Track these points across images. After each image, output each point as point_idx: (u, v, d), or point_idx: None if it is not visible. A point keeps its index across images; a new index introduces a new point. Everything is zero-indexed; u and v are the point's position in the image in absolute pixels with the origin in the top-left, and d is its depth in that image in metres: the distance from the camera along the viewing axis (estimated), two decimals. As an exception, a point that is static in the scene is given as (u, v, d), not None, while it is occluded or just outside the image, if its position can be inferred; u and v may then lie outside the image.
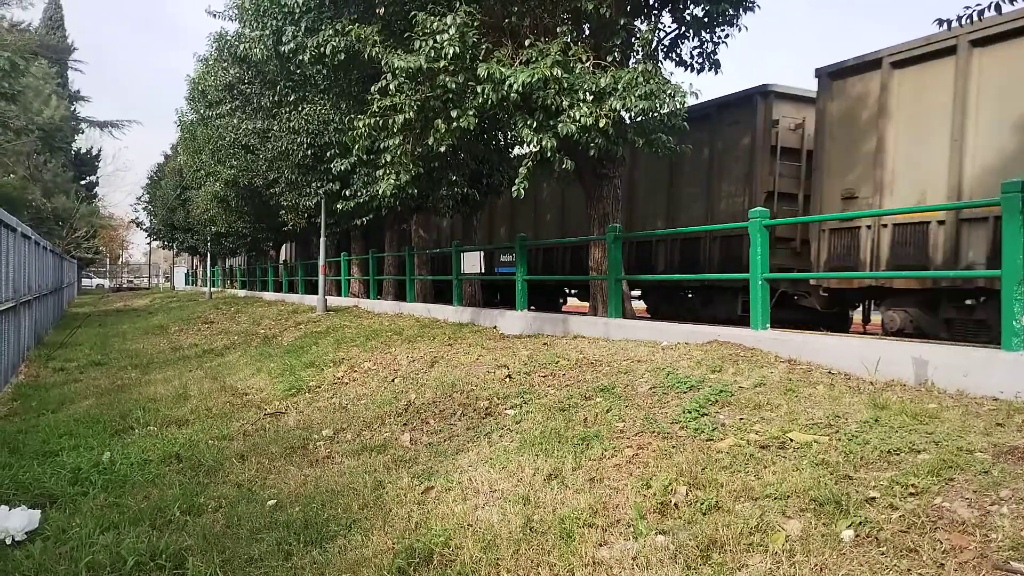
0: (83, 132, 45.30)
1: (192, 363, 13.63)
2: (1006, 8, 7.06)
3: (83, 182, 47.27)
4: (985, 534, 3.31)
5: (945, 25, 7.45)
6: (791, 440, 4.62)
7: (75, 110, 43.88)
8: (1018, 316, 5.46)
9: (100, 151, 50.94)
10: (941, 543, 3.30)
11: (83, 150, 48.45)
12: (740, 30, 10.54)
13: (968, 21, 7.33)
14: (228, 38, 17.39)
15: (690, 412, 5.46)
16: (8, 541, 4.62)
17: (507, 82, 8.44)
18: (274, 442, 6.96)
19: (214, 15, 16.91)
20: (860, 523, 3.54)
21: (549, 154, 8.83)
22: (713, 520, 3.87)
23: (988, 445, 4.11)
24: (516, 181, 9.08)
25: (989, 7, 7.02)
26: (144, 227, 58.10)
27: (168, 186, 43.20)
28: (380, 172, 10.12)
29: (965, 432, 4.34)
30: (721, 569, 3.51)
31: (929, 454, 4.07)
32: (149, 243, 67.76)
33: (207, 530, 4.74)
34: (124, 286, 74.73)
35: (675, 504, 4.17)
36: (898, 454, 4.15)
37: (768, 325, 7.64)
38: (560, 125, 8.54)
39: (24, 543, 4.63)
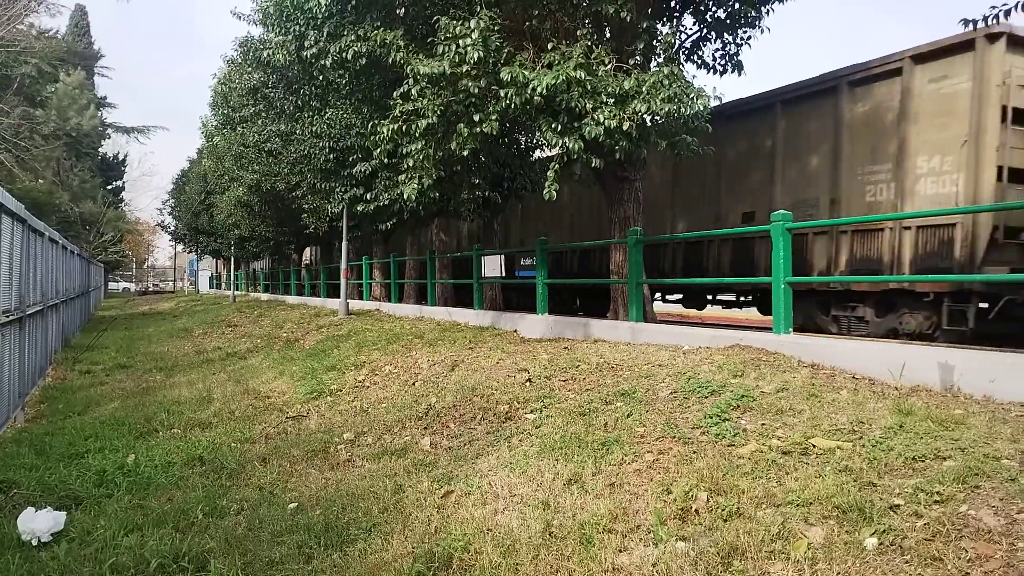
0: (110, 137, 45.99)
1: (215, 366, 13.76)
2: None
3: (109, 187, 47.92)
4: (1012, 543, 3.25)
5: (970, 25, 7.35)
6: (814, 446, 4.56)
7: (102, 116, 44.51)
8: (1047, 321, 5.36)
9: (126, 156, 51.73)
10: (966, 552, 3.25)
11: (109, 155, 49.15)
12: (762, 31, 10.49)
13: (994, 20, 7.23)
14: (253, 42, 17.56)
15: (711, 417, 5.42)
16: (34, 542, 4.68)
17: (531, 85, 8.45)
18: (296, 445, 7.00)
19: (239, 17, 17.08)
20: (884, 531, 3.49)
21: (575, 155, 8.84)
22: (734, 527, 3.84)
23: (1015, 452, 4.04)
24: (546, 184, 9.10)
25: (1016, 7, 6.93)
26: (169, 230, 58.82)
27: (192, 191, 43.70)
28: (402, 176, 10.17)
29: (992, 438, 4.27)
30: (742, 576, 3.48)
31: (955, 461, 4.01)
32: (174, 247, 68.60)
33: (229, 532, 4.77)
34: (150, 290, 75.72)
35: (696, 510, 4.13)
36: (923, 461, 4.09)
37: (791, 329, 7.57)
38: (586, 128, 8.54)
39: (49, 544, 4.69)
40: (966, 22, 7.39)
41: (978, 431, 4.42)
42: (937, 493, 3.69)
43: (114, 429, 8.08)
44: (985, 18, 7.20)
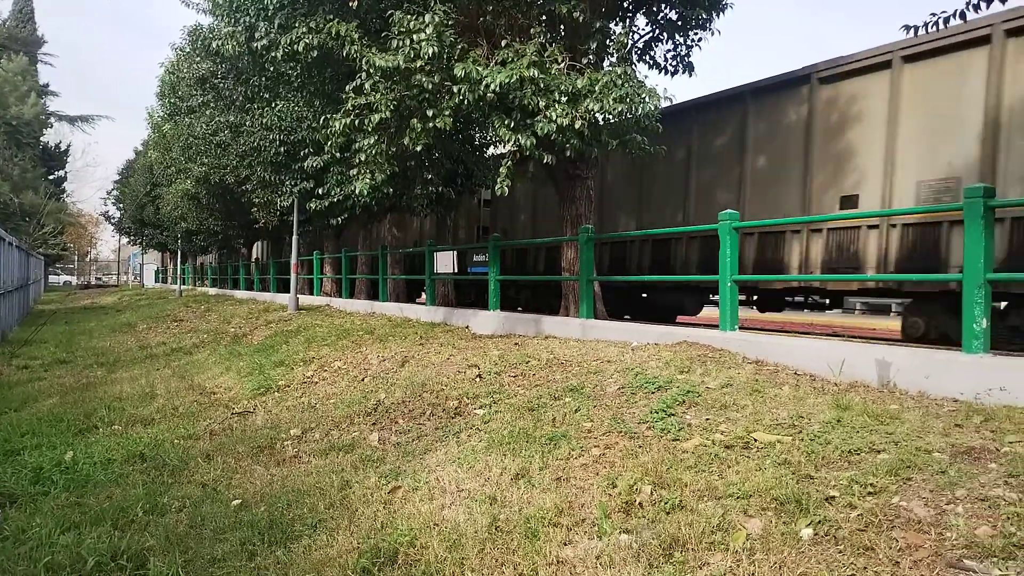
0: (52, 127, 44.56)
1: (160, 362, 13.47)
2: (971, 16, 7.20)
3: (51, 177, 46.45)
4: (940, 533, 3.37)
5: (912, 31, 7.56)
6: (755, 440, 4.66)
7: (44, 104, 43.11)
8: (979, 319, 5.57)
9: (70, 146, 50.10)
10: (897, 541, 3.36)
11: (52, 145, 47.62)
12: (713, 33, 10.65)
13: (934, 28, 7.45)
14: (202, 31, 17.18)
15: (657, 412, 5.50)
16: (-35, 541, 4.54)
17: (484, 82, 8.44)
18: (241, 441, 6.90)
19: (187, 5, 16.70)
20: (819, 522, 3.59)
21: (528, 152, 8.87)
22: (676, 519, 3.90)
23: (946, 445, 4.19)
24: (498, 179, 9.11)
25: (954, 15, 7.15)
26: (113, 221, 57.32)
27: (138, 182, 42.65)
28: (355, 171, 10.07)
29: (924, 433, 4.41)
30: (682, 568, 3.54)
31: (888, 454, 4.14)
32: (118, 239, 66.92)
33: (170, 530, 4.69)
34: (92, 283, 73.74)
35: (640, 503, 4.19)
36: (858, 454, 4.21)
37: (737, 326, 7.71)
38: (539, 125, 8.57)
39: (-19, 543, 4.55)
40: (907, 28, 7.60)
41: (912, 425, 4.56)
42: (871, 485, 3.81)
43: (52, 425, 7.88)
44: (925, 24, 7.43)
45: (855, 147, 10.01)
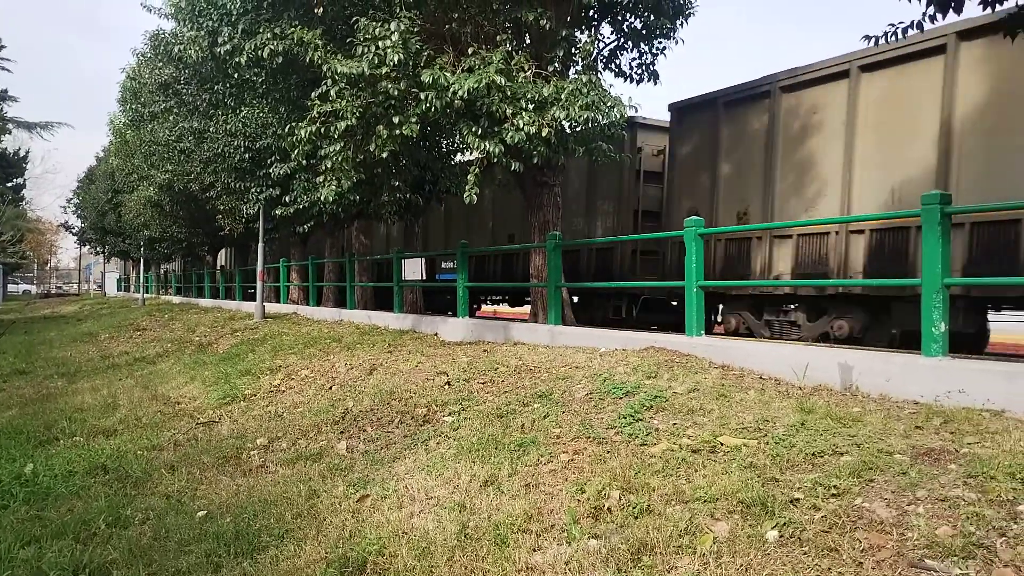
0: (10, 133, 43.54)
1: (122, 371, 13.24)
2: (928, 26, 7.37)
3: (9, 184, 45.44)
4: (902, 533, 3.43)
5: (871, 41, 7.72)
6: (721, 444, 4.71)
7: (2, 110, 42.18)
8: (937, 323, 5.69)
9: (28, 152, 49.01)
10: (860, 542, 3.41)
11: (10, 151, 46.56)
12: (677, 43, 10.79)
13: (893, 38, 7.61)
14: (164, 36, 16.97)
15: (625, 417, 5.53)
16: (-81, 558, 4.43)
17: (452, 89, 8.44)
18: (206, 452, 6.81)
19: (149, 10, 16.50)
20: (784, 524, 3.64)
21: (496, 159, 8.89)
22: (644, 523, 3.93)
23: (907, 447, 4.27)
24: (466, 187, 9.11)
25: (912, 25, 7.31)
26: (73, 230, 56.21)
27: (99, 189, 41.92)
28: (321, 178, 10.00)
29: (886, 435, 4.49)
30: (651, 571, 3.56)
31: (851, 456, 4.21)
32: (79, 248, 65.65)
33: (133, 543, 4.62)
34: (53, 292, 72.28)
35: (608, 508, 4.21)
36: (822, 456, 4.28)
37: (703, 332, 7.80)
38: (507, 133, 8.59)
39: (-64, 560, 4.44)
40: (867, 38, 7.76)
41: (874, 428, 4.64)
42: (834, 487, 3.86)
43: (11, 438, 7.73)
44: (885, 34, 7.59)
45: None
